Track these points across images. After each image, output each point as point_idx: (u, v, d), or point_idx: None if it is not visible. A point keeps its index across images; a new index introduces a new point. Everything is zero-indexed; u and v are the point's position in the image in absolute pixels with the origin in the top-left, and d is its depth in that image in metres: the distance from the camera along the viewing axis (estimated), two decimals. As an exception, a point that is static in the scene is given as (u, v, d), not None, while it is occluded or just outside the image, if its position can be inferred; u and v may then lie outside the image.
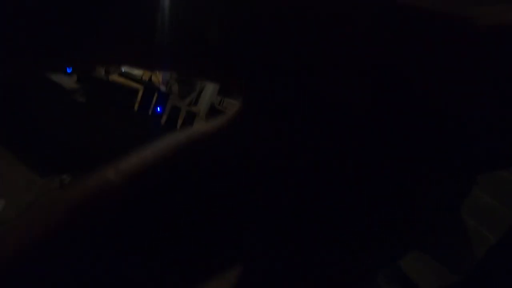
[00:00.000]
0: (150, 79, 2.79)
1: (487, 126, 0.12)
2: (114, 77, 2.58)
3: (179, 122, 2.65)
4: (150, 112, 2.60)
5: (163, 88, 2.81)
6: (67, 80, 2.38)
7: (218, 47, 0.12)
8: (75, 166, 2.06)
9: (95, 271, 0.12)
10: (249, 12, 0.12)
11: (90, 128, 2.36)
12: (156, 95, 2.63)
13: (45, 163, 2.16)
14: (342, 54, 0.12)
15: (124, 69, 2.63)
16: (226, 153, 0.13)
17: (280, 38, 0.12)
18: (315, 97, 0.12)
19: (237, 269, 0.13)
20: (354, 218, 0.13)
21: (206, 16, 0.12)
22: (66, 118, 2.35)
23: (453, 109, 0.12)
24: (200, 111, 2.84)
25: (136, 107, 2.58)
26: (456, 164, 0.13)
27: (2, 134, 2.09)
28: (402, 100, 0.12)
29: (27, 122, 2.26)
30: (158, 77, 2.86)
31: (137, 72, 2.68)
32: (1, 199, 1.75)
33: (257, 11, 0.12)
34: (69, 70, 2.46)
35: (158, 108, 2.63)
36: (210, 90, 2.96)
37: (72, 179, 2.05)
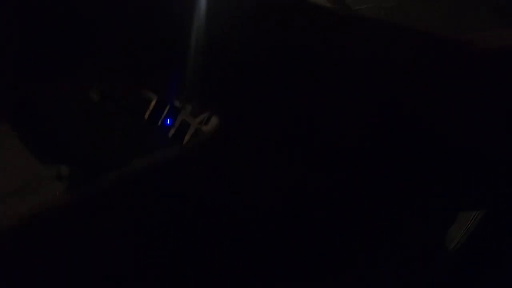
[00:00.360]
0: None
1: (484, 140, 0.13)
2: (131, 83, 2.64)
3: (186, 138, 2.69)
4: (159, 123, 2.64)
5: (176, 102, 2.87)
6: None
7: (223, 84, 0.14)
8: (75, 160, 2.08)
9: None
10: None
11: (97, 127, 2.40)
12: (168, 107, 2.68)
13: (47, 152, 2.18)
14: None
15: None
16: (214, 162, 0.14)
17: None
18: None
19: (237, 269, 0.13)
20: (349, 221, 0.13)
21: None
22: (76, 113, 2.40)
23: (451, 125, 0.13)
24: (209, 131, 2.87)
25: (146, 115, 2.63)
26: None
27: (11, 116, 2.13)
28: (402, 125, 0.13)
29: (38, 109, 2.31)
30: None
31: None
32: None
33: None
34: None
35: (168, 120, 2.67)
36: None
37: (70, 172, 2.07)
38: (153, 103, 2.77)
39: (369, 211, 0.11)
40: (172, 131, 2.81)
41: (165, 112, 2.75)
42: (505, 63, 0.12)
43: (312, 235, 0.12)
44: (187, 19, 0.13)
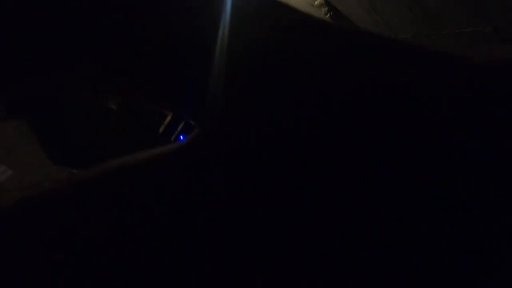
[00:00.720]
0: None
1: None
2: (149, 97, 2.69)
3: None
4: (172, 138, 2.67)
5: (191, 120, 2.90)
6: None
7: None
8: (86, 165, 2.09)
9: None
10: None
11: (112, 135, 2.43)
12: (182, 124, 2.71)
13: (62, 155, 2.21)
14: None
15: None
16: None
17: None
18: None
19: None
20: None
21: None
22: (94, 120, 2.44)
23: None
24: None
25: (161, 129, 2.66)
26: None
27: (30, 116, 2.19)
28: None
29: (57, 113, 2.37)
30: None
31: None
32: (10, 170, 1.79)
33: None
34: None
35: (181, 136, 2.70)
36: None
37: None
38: (168, 118, 2.81)
39: (369, 211, 0.12)
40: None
41: (179, 128, 2.78)
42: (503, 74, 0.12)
43: (312, 235, 0.12)
44: (209, 36, 0.13)
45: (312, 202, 0.12)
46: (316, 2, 1.93)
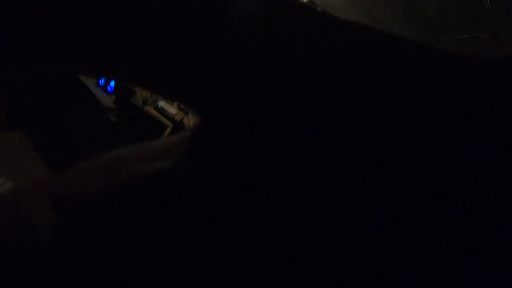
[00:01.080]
0: (181, 120, 2.92)
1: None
2: (149, 109, 2.72)
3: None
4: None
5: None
6: (107, 98, 2.53)
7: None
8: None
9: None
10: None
11: (113, 146, 2.44)
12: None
13: (61, 163, 2.22)
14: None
15: (160, 104, 2.78)
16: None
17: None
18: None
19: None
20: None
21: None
22: (94, 131, 2.45)
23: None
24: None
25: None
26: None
27: (30, 126, 2.20)
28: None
29: (57, 123, 2.38)
30: (189, 121, 2.98)
31: (171, 110, 2.82)
32: (9, 181, 1.79)
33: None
34: (110, 90, 2.65)
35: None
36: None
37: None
38: (168, 130, 2.83)
39: (369, 211, 0.12)
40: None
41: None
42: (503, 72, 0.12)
43: (312, 235, 0.12)
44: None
45: (312, 202, 0.12)
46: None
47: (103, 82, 2.54)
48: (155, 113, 2.73)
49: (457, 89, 0.12)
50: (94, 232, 0.13)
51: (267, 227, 0.13)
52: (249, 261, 0.13)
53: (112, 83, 2.56)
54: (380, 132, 0.12)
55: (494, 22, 1.58)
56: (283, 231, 0.12)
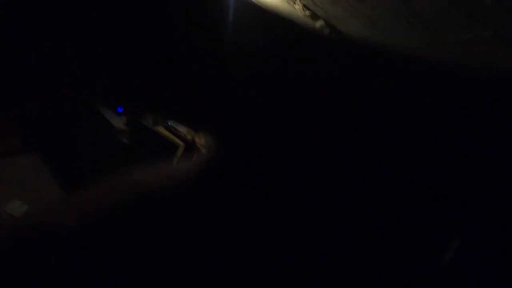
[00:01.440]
0: (193, 139, 2.94)
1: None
2: (160, 129, 2.75)
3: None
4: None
5: (203, 150, 2.93)
6: (118, 120, 2.58)
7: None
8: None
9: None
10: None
11: (125, 167, 2.47)
12: (196, 155, 2.74)
13: (75, 184, 2.25)
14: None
15: (170, 123, 2.81)
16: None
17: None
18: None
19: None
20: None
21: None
22: (106, 153, 2.49)
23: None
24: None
25: (175, 162, 2.70)
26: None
27: (43, 148, 2.25)
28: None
29: (70, 145, 2.43)
30: (201, 140, 3.00)
31: (182, 129, 2.85)
32: (26, 204, 1.82)
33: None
34: (120, 110, 2.70)
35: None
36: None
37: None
38: (180, 150, 2.85)
39: (369, 211, 0.12)
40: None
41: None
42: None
43: (312, 235, 0.12)
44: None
45: (312, 202, 0.12)
46: (317, 23, 1.98)
47: (113, 104, 2.59)
48: (166, 132, 2.76)
49: (457, 89, 0.12)
50: (112, 247, 0.13)
51: (267, 227, 0.13)
52: (249, 261, 0.13)
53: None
54: (380, 133, 0.12)
55: (495, 19, 1.55)
56: (283, 231, 0.12)
